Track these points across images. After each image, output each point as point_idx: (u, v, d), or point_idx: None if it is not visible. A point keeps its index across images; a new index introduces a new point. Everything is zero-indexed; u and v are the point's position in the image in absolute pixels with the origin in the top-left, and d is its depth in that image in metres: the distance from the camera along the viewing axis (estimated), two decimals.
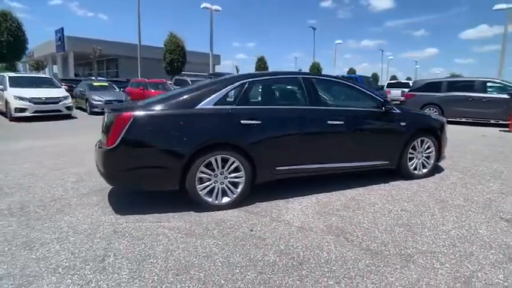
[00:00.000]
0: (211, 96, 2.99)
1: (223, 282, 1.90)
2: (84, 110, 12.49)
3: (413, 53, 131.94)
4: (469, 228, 2.64)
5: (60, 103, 9.78)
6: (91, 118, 11.05)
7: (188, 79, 17.60)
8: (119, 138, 2.67)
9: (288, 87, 3.52)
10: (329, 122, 3.36)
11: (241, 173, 3.02)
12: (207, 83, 3.33)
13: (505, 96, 9.25)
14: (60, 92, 10.23)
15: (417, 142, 3.93)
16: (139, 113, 2.75)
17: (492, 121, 9.95)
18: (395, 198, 3.37)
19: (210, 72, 22.12)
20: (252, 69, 41.42)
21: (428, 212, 3.00)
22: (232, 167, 2.99)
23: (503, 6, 19.96)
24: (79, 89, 13.19)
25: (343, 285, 1.87)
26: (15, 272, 1.97)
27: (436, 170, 4.26)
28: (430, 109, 10.98)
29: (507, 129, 8.64)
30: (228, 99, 3.06)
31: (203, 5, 21.31)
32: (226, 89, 3.07)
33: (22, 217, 2.80)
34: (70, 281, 1.89)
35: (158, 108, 2.88)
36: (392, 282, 1.90)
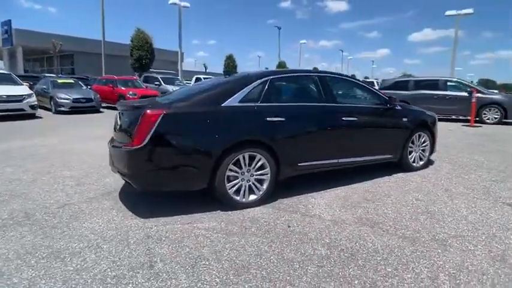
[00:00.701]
0: (236, 94, 2.94)
1: (289, 278, 1.89)
2: (48, 109, 11.48)
3: (367, 53, 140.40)
4: (482, 213, 2.90)
5: (24, 101, 8.88)
6: (57, 118, 10.20)
7: (159, 76, 16.98)
8: (148, 137, 2.51)
9: (307, 85, 3.57)
10: (344, 118, 3.47)
11: (267, 170, 3.00)
12: (228, 81, 3.25)
13: (465, 94, 10.22)
14: (23, 89, 9.28)
15: (416, 136, 4.21)
16: (169, 110, 2.61)
17: (453, 116, 10.97)
18: (405, 189, 3.58)
19: (180, 69, 21.53)
20: (219, 68, 40.92)
21: (440, 200, 3.23)
22: (259, 164, 2.96)
23: (453, 12, 21.98)
24: (41, 87, 12.06)
25: (401, 271, 1.96)
26: (58, 286, 1.78)
27: (429, 162, 4.59)
28: None
29: (468, 124, 9.56)
30: (251, 96, 3.02)
31: (171, 0, 20.57)
32: (249, 86, 3.03)
33: (34, 226, 2.52)
34: None
35: (185, 105, 2.76)
36: (442, 265, 2.03)
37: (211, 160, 2.70)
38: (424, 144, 4.36)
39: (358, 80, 3.99)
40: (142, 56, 19.86)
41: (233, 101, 2.90)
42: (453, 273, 1.96)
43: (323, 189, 3.50)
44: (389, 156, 4.02)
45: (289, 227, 2.60)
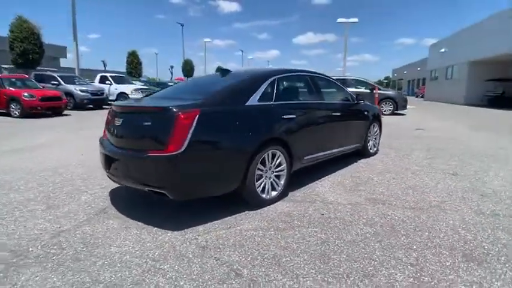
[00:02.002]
0: (255, 93, 2.94)
1: (366, 255, 2.10)
2: None
3: (260, 53, 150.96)
4: (443, 183, 3.73)
5: None
6: None
7: (57, 75, 14.37)
8: (187, 141, 2.30)
9: (304, 83, 3.79)
10: (333, 113, 3.88)
11: (284, 166, 3.12)
12: (242, 80, 3.17)
13: (368, 90, 12.32)
14: None
15: (372, 126, 4.99)
16: (203, 109, 2.43)
17: None
18: (378, 171, 4.24)
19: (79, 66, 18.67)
20: (119, 66, 36.88)
21: (409, 177, 3.98)
22: (278, 161, 3.06)
23: (343, 20, 25.82)
24: None
25: (432, 232, 2.43)
26: None
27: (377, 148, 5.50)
28: None
29: None
30: (266, 95, 3.07)
31: None
32: (264, 85, 3.06)
33: (45, 263, 1.99)
34: None
35: (213, 104, 2.61)
36: (454, 224, 2.60)
37: (246, 160, 2.65)
38: (376, 133, 5.20)
39: (335, 80, 4.47)
40: (28, 49, 16.19)
41: (254, 100, 2.90)
42: (462, 225, 2.55)
43: (318, 178, 3.83)
44: (359, 145, 4.66)
45: (322, 214, 2.80)
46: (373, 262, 2.03)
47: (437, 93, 27.18)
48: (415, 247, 2.22)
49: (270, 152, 2.92)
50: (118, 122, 2.63)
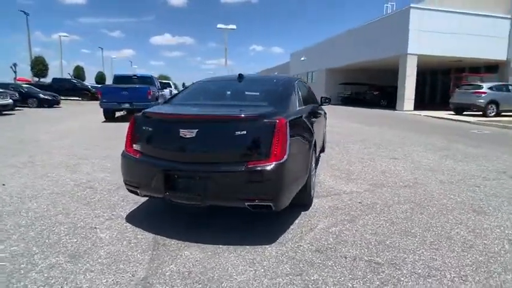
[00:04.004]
0: (297, 98, 3.09)
1: (427, 230, 2.66)
2: None
3: (112, 52, 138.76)
4: (406, 167, 4.82)
5: None
6: None
7: None
8: (287, 148, 2.24)
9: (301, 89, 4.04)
10: (319, 114, 4.37)
11: (313, 165, 3.38)
12: (284, 86, 3.17)
13: None
14: None
15: (324, 124, 5.80)
16: (287, 118, 2.38)
17: None
18: (345, 160, 5.04)
19: None
20: None
21: (372, 162, 4.94)
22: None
23: (223, 26, 27.00)
24: None
25: (437, 200, 3.27)
26: None
27: None
28: None
29: None
30: (300, 100, 3.23)
31: None
32: (296, 90, 3.20)
33: None
34: None
35: (285, 111, 2.60)
36: (435, 190, 3.55)
37: (311, 161, 2.79)
38: (326, 129, 6.07)
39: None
40: None
41: (300, 104, 3.03)
42: (449, 195, 3.52)
43: None
44: (323, 140, 5.36)
45: (360, 203, 3.23)
46: (442, 233, 2.62)
47: None
48: (445, 211, 2.97)
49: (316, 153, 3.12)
50: (189, 133, 2.22)
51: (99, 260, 2.10)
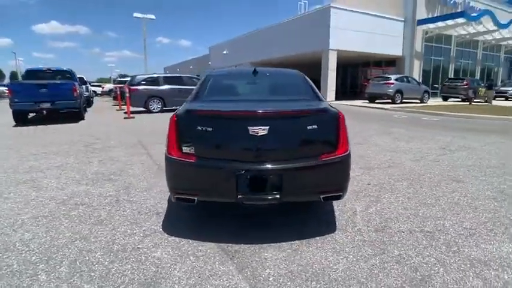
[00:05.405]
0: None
1: (438, 200, 3.19)
2: None
3: None
4: (366, 143, 5.47)
5: None
6: None
7: None
8: (348, 140, 2.37)
9: None
10: None
11: None
12: (304, 80, 3.16)
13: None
14: None
15: None
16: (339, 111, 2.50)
17: None
18: None
19: None
20: None
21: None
22: None
23: (140, 15, 24.71)
24: None
25: (418, 168, 3.91)
26: None
27: None
28: (154, 101, 12.83)
29: None
30: None
31: None
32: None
33: None
34: None
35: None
36: (413, 167, 4.23)
37: None
38: None
39: None
40: None
41: None
42: (428, 170, 4.22)
43: None
44: None
45: (369, 184, 3.61)
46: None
47: None
48: (451, 189, 3.59)
49: None
50: (261, 131, 2.12)
51: (183, 282, 1.87)
